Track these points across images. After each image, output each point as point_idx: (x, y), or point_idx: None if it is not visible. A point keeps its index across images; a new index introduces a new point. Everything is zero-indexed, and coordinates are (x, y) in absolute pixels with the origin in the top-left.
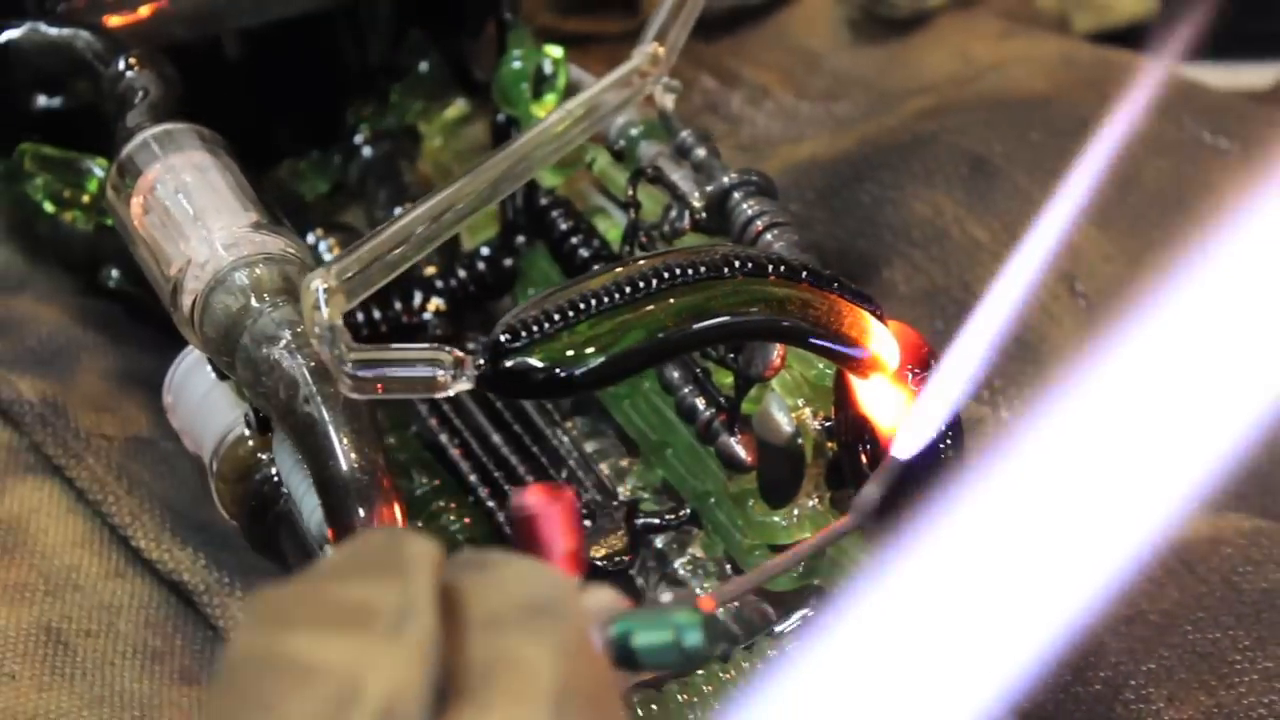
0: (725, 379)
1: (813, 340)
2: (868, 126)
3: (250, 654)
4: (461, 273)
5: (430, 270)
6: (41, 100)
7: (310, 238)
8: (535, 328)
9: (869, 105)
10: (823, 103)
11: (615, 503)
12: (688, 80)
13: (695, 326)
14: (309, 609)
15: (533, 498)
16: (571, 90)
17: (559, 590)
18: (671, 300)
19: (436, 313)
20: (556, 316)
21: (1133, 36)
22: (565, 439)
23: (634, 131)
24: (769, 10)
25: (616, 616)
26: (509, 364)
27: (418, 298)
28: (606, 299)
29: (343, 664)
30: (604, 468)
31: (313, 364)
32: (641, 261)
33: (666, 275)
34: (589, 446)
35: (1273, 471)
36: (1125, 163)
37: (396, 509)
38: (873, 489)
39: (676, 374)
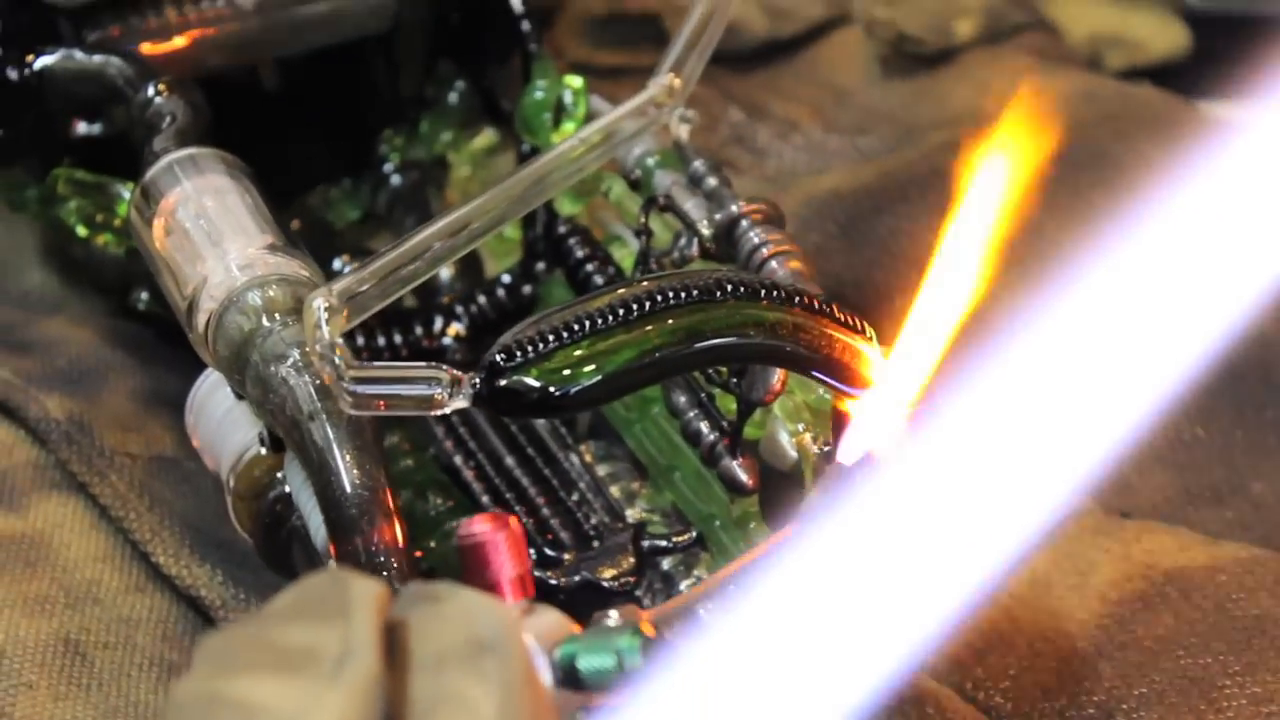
0: (729, 404)
1: (805, 363)
2: (889, 160)
3: (196, 696)
4: (482, 299)
5: (450, 298)
6: (81, 127)
7: (337, 263)
8: (530, 348)
9: (895, 139)
10: (849, 136)
11: (622, 525)
12: (716, 113)
13: (687, 348)
14: (254, 652)
15: (479, 525)
16: (591, 120)
17: (502, 626)
18: (666, 322)
19: (456, 338)
20: (551, 337)
21: (1165, 74)
22: (576, 462)
23: (650, 161)
24: (800, 45)
25: (562, 639)
26: (504, 382)
27: (438, 323)
28: (600, 320)
29: (286, 705)
30: (615, 490)
31: (318, 382)
32: (636, 284)
33: (660, 298)
34: (601, 470)
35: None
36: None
37: (397, 526)
38: (818, 499)
39: (682, 398)
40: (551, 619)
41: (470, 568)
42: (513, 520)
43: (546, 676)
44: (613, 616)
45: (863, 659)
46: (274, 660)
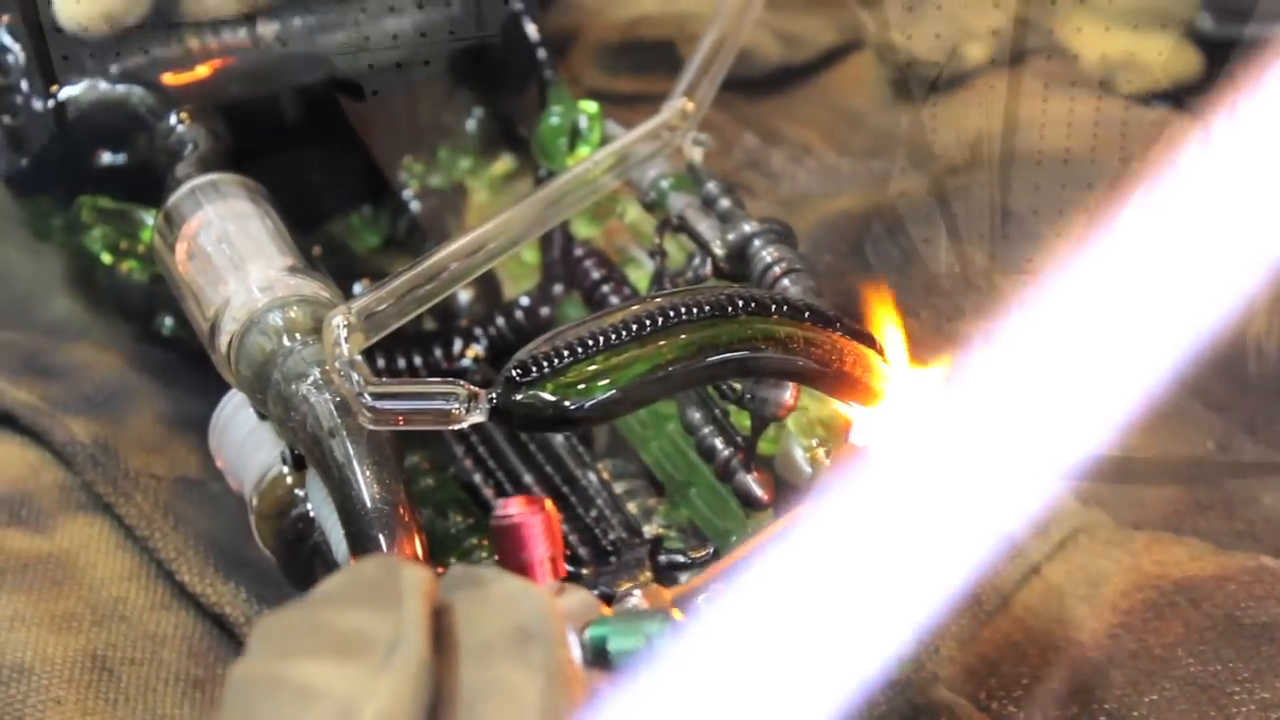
0: (744, 420)
1: (816, 376)
2: (901, 181)
3: (255, 677)
4: (500, 321)
5: (468, 320)
6: (105, 156)
7: (357, 288)
8: (546, 363)
9: (907, 162)
10: (862, 159)
11: (639, 540)
12: (730, 138)
13: (699, 362)
14: (309, 636)
15: (515, 507)
16: (605, 144)
17: (545, 614)
18: (678, 336)
19: (475, 360)
20: (566, 352)
21: (1178, 98)
22: (594, 479)
23: (664, 184)
24: (813, 71)
25: (591, 620)
26: (520, 397)
27: (457, 345)
28: (614, 336)
29: (340, 689)
30: (632, 507)
31: (338, 399)
32: (649, 300)
33: (673, 313)
34: (618, 487)
35: None
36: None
37: (417, 540)
38: (835, 475)
39: (697, 415)
40: (582, 599)
41: (505, 548)
42: (547, 504)
43: (577, 655)
44: (637, 597)
45: (864, 641)
46: (329, 644)
